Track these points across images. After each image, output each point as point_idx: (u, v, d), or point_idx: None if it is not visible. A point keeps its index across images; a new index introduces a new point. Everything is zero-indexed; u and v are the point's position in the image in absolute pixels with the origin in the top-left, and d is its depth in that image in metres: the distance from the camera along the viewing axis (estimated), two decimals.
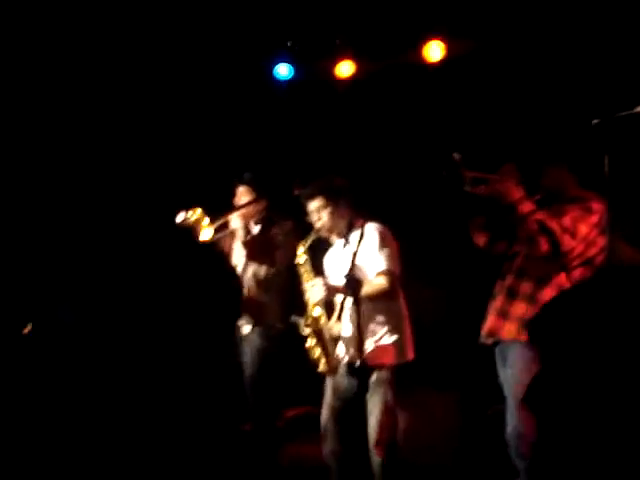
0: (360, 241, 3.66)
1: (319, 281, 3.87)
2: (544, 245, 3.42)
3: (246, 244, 4.52)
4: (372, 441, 3.78)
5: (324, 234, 4.03)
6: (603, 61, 4.72)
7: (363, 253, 3.77)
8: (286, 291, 4.47)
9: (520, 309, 3.56)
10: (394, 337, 3.87)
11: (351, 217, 4.01)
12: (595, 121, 2.89)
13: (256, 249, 4.54)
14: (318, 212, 3.98)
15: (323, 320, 3.91)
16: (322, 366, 3.92)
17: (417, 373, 5.02)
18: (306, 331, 3.91)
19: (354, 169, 4.71)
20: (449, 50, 5.41)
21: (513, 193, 3.49)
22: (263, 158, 5.45)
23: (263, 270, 4.57)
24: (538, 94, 4.98)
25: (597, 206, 3.45)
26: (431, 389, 4.98)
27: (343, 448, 3.88)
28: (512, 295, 3.61)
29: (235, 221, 4.51)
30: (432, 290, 5.36)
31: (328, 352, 3.90)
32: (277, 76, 5.84)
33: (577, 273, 3.51)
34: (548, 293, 3.51)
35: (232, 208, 4.58)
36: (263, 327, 4.54)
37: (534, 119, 4.79)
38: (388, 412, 3.79)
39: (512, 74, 5.16)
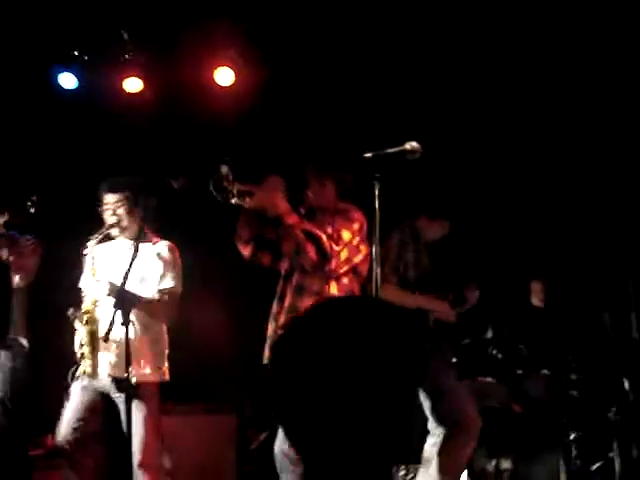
0: (151, 254, 3.78)
1: (106, 278, 3.67)
2: (312, 253, 3.45)
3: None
4: (136, 462, 3.61)
5: (114, 232, 3.85)
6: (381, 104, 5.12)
7: (152, 267, 3.81)
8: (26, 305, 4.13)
9: None
10: (159, 355, 3.84)
11: (142, 225, 3.84)
12: (367, 154, 3.15)
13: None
14: (115, 207, 3.82)
15: (100, 319, 3.68)
16: (85, 368, 3.67)
17: (196, 395, 4.92)
18: (80, 327, 3.67)
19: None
20: (240, 74, 5.45)
21: (278, 206, 3.49)
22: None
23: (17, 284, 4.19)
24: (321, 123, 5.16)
25: (357, 215, 3.61)
26: (209, 411, 4.88)
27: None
28: (294, 313, 3.56)
29: None
30: (215, 310, 5.31)
31: (96, 354, 3.67)
32: (61, 85, 5.59)
33: (346, 281, 3.58)
34: None
35: None
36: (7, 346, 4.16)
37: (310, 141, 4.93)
38: (153, 432, 3.69)
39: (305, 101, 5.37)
